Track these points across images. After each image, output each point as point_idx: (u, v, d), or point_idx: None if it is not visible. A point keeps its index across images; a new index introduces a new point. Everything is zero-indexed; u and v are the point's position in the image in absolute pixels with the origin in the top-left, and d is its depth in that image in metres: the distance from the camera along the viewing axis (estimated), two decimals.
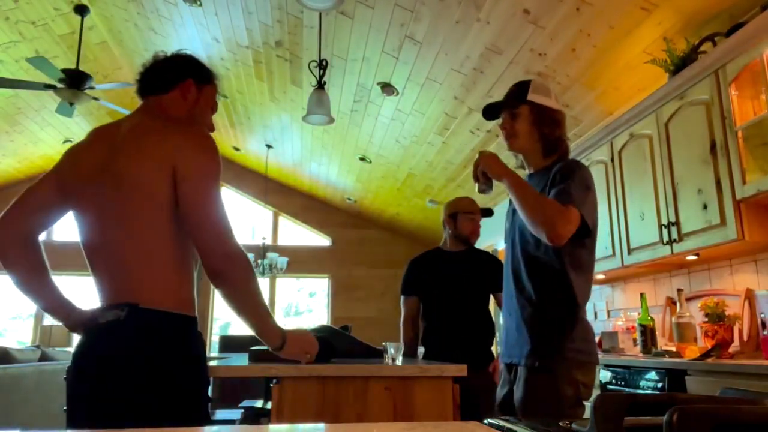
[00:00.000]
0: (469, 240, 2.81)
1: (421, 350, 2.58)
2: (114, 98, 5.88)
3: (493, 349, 2.82)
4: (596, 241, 1.75)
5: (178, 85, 1.51)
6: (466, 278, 2.75)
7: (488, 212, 2.88)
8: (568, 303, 1.65)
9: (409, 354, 2.88)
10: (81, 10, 4.67)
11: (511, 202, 1.94)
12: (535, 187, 1.73)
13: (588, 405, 1.53)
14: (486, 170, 1.69)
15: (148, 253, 1.34)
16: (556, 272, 1.65)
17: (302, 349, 1.51)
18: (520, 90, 1.81)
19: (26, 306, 7.75)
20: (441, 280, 2.79)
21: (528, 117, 1.77)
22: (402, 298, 2.88)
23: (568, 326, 1.64)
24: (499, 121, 1.87)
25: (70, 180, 1.44)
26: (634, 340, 3.18)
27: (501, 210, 3.00)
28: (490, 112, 1.86)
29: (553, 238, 1.54)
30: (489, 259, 2.86)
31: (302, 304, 8.60)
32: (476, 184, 1.75)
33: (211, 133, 1.62)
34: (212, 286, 1.40)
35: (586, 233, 1.62)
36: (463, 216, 2.80)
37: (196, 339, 1.39)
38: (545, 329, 1.65)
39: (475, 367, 2.65)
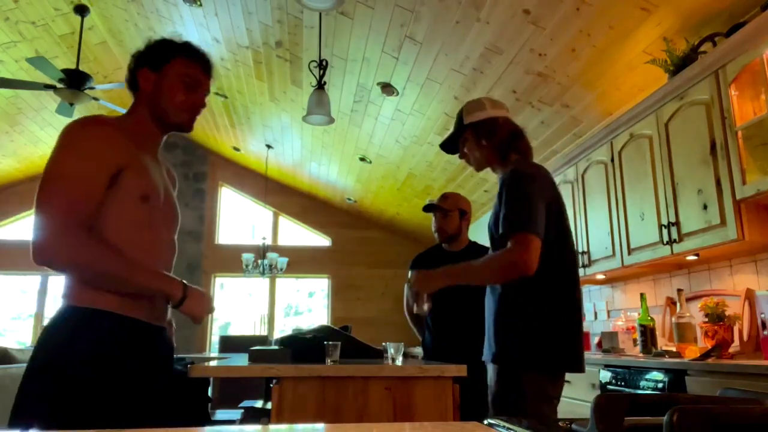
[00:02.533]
0: (438, 237, 2.79)
1: (419, 350, 2.57)
2: (114, 98, 5.88)
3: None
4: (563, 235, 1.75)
5: (139, 80, 1.48)
6: None
7: (428, 208, 2.82)
8: (531, 303, 1.66)
9: (417, 327, 2.92)
10: (81, 10, 4.67)
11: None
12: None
13: (588, 405, 1.53)
14: (423, 292, 1.80)
15: None
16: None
17: (203, 307, 1.38)
18: (458, 119, 1.93)
19: (26, 306, 7.76)
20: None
21: (473, 138, 1.88)
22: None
23: (526, 326, 1.64)
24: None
25: None
26: (634, 341, 3.18)
27: None
28: (447, 147, 2.00)
29: (525, 271, 1.57)
30: None
31: (302, 304, 8.60)
32: (418, 307, 1.85)
33: (202, 108, 1.53)
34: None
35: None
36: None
37: (99, 333, 1.26)
38: (507, 330, 1.67)
39: (477, 367, 2.64)
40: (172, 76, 1.47)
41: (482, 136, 1.85)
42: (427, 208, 2.80)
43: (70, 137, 1.32)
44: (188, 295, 1.34)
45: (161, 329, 1.44)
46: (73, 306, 1.27)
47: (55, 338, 1.25)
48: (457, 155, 1.99)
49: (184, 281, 1.37)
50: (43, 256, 1.21)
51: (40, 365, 1.23)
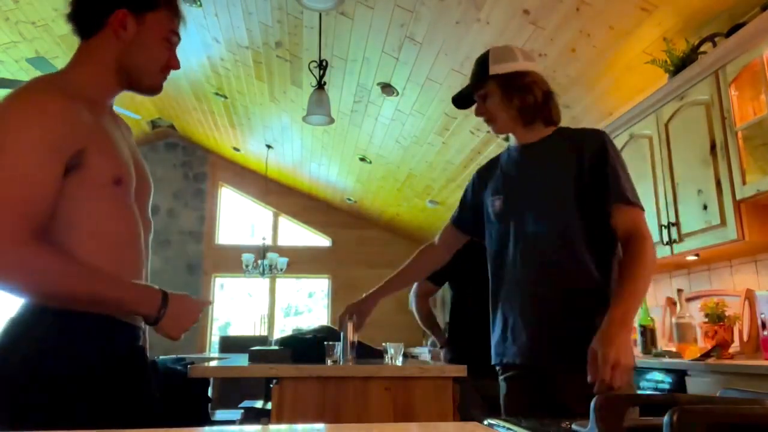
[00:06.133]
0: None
1: (419, 351, 2.57)
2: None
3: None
4: None
5: (107, 22, 1.16)
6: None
7: None
8: None
9: (431, 329, 2.82)
10: None
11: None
12: (539, 158, 1.56)
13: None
14: (625, 367, 1.39)
15: None
16: None
17: (184, 321, 1.14)
18: (480, 67, 1.57)
19: None
20: (470, 276, 2.75)
21: (497, 93, 1.54)
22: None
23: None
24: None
25: None
26: (635, 341, 3.18)
27: None
28: (461, 101, 1.64)
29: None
30: None
31: (302, 304, 8.60)
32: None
33: (174, 70, 1.27)
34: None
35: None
36: None
37: (79, 336, 1.07)
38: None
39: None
40: (156, 29, 1.20)
41: (513, 91, 1.51)
42: None
43: (6, 118, 1.03)
44: (166, 315, 1.10)
45: (138, 330, 1.20)
46: (40, 305, 1.06)
47: (22, 344, 1.04)
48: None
49: (167, 292, 1.13)
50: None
51: (11, 377, 1.03)
